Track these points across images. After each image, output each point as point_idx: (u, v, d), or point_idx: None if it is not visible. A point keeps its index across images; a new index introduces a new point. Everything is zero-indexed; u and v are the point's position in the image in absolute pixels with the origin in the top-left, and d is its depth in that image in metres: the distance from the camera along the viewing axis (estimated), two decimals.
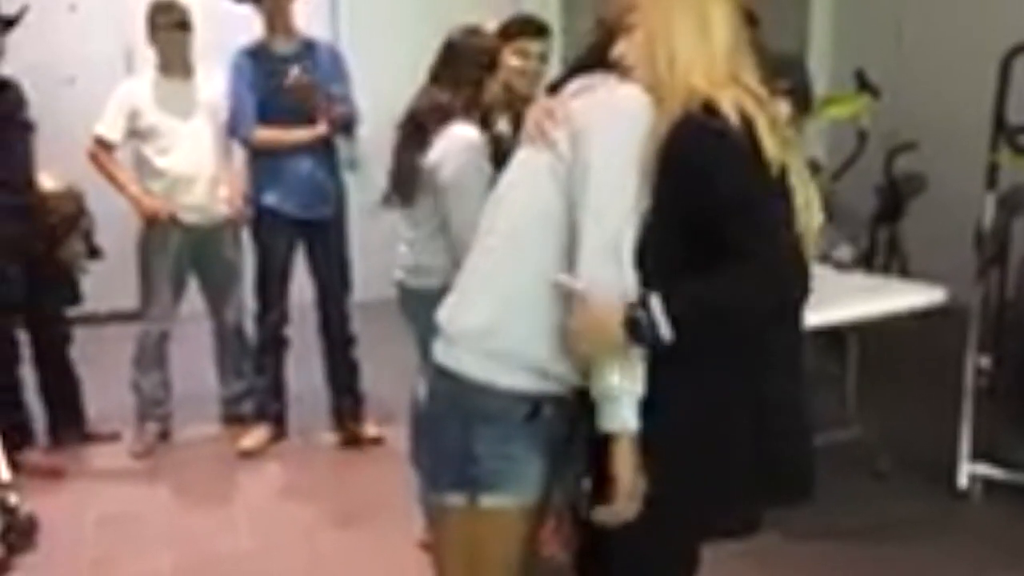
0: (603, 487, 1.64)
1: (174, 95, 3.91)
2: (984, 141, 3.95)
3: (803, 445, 1.79)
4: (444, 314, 1.79)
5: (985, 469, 3.41)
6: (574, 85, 1.77)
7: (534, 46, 3.04)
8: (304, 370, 4.22)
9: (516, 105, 2.84)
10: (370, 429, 4.08)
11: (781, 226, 1.57)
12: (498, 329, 1.69)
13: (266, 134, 3.83)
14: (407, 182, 2.85)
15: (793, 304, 1.66)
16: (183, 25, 3.89)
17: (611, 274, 1.59)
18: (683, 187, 1.58)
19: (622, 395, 1.61)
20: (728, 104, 1.57)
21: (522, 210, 1.71)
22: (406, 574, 2.91)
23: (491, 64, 2.86)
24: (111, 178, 3.92)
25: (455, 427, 1.73)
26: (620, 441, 1.63)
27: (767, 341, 1.67)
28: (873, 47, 5.98)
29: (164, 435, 4.12)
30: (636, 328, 1.54)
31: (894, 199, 5.16)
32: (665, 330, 1.53)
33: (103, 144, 3.89)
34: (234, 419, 4.22)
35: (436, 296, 2.80)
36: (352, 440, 4.05)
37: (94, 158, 3.90)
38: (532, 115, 1.73)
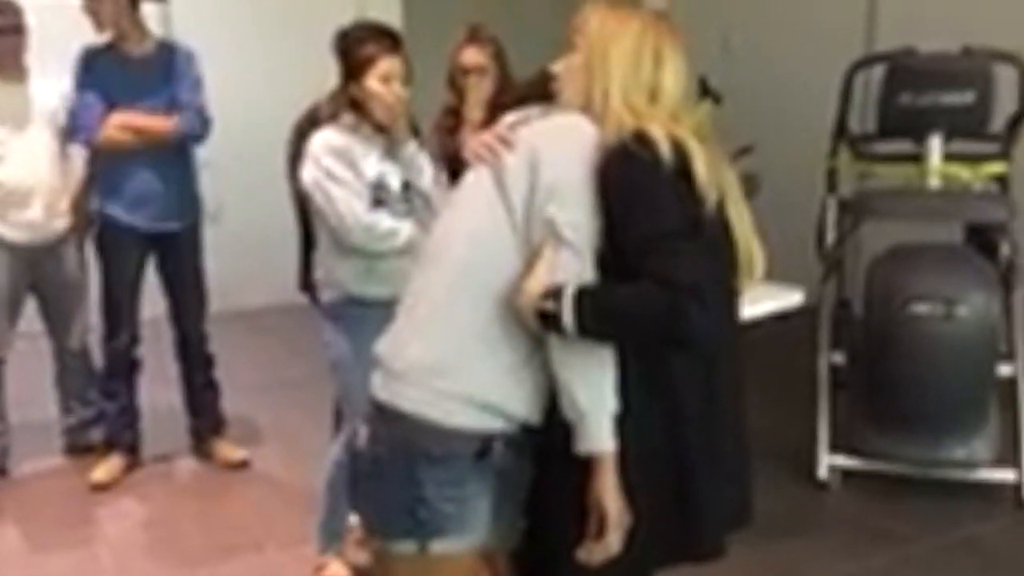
0: (579, 523, 1.61)
1: (6, 101, 3.57)
2: (815, 147, 4.22)
3: (709, 504, 1.70)
4: (389, 349, 1.72)
5: (842, 460, 3.63)
6: (511, 118, 1.76)
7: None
8: (158, 392, 3.96)
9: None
10: (235, 452, 3.88)
11: (697, 265, 1.54)
12: (450, 367, 1.64)
13: (115, 119, 3.47)
14: (294, 191, 2.73)
15: (696, 343, 1.56)
16: (17, 28, 3.56)
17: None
18: (610, 212, 1.59)
19: (591, 413, 1.58)
20: (660, 133, 1.58)
21: (470, 238, 1.67)
22: None
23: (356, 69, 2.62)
24: None
25: (401, 469, 1.66)
26: (601, 464, 1.60)
27: (672, 366, 1.64)
28: (703, 57, 6.23)
29: (1, 471, 3.77)
30: (544, 316, 1.55)
31: None
32: (568, 322, 1.53)
33: None
34: (81, 449, 3.93)
35: (329, 310, 2.70)
36: (216, 465, 3.85)
37: None
38: (481, 140, 1.70)
